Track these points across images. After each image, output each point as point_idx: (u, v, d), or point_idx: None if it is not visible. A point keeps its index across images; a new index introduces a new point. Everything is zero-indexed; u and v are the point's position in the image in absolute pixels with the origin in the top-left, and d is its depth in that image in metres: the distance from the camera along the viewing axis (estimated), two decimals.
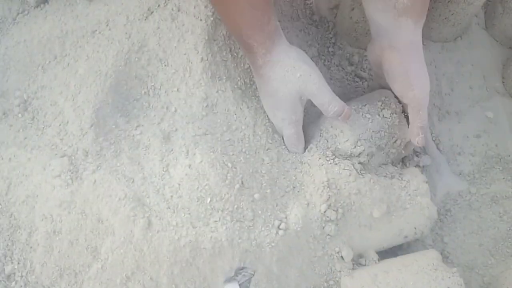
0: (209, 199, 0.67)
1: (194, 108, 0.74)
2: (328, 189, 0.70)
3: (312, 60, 0.72)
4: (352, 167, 0.72)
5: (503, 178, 0.87)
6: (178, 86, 0.75)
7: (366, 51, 0.94)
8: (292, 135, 0.74)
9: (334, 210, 0.69)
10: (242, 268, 0.65)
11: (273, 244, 0.66)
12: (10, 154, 0.72)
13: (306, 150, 0.76)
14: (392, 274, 0.67)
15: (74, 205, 0.67)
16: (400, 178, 0.76)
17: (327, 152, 0.74)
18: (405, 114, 0.77)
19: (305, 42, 0.91)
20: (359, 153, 0.74)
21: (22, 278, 0.66)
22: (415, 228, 0.73)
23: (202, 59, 0.75)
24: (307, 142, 0.77)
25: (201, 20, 0.76)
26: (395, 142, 0.77)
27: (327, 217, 0.69)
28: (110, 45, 0.76)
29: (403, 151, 0.80)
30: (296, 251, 0.68)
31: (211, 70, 0.76)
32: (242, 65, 0.80)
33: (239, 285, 0.65)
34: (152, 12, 0.78)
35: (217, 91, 0.75)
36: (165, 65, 0.76)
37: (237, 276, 0.65)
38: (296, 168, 0.75)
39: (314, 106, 0.72)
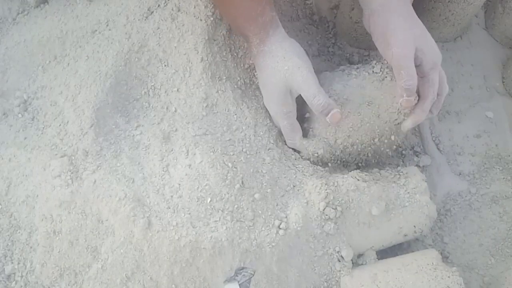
0: (209, 199, 0.67)
1: (194, 108, 0.74)
2: (326, 186, 0.70)
3: (311, 57, 0.72)
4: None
5: (503, 178, 0.87)
6: (178, 86, 0.75)
7: (365, 50, 0.95)
8: (285, 126, 0.74)
9: (333, 208, 0.69)
10: (242, 268, 0.65)
11: (273, 244, 0.66)
12: (10, 154, 0.72)
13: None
14: (391, 274, 0.67)
15: (74, 205, 0.67)
16: (399, 176, 0.76)
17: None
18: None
19: (305, 42, 0.91)
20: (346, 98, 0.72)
21: (22, 278, 0.66)
22: (414, 226, 0.73)
23: (202, 59, 0.75)
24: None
25: (201, 20, 0.76)
26: (389, 104, 0.72)
27: (326, 215, 0.69)
28: (110, 45, 0.76)
29: (396, 136, 0.75)
30: (296, 251, 0.68)
31: (211, 70, 0.76)
32: (242, 65, 0.80)
33: (239, 285, 0.65)
34: (152, 12, 0.78)
35: (217, 91, 0.75)
36: (165, 65, 0.76)
37: (237, 276, 0.65)
38: (297, 166, 0.75)
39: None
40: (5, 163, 0.72)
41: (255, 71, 0.78)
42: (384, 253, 0.76)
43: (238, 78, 0.78)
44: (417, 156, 0.88)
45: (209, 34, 0.76)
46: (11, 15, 0.85)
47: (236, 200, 0.67)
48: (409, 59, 0.66)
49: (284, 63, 0.69)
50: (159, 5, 0.78)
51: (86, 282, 0.65)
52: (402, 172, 0.78)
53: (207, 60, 0.75)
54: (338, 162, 0.77)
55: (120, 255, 0.64)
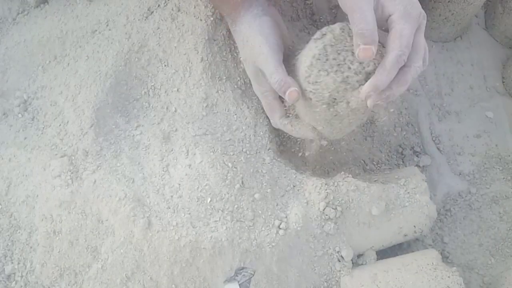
0: (209, 199, 0.67)
1: (194, 108, 0.74)
2: (326, 186, 0.70)
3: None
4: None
5: (503, 178, 0.87)
6: (178, 86, 0.75)
7: None
8: (264, 106, 0.72)
9: (333, 208, 0.69)
10: (242, 268, 0.65)
11: (273, 244, 0.66)
12: (10, 154, 0.72)
13: None
14: (391, 274, 0.67)
15: (74, 205, 0.67)
16: (399, 176, 0.76)
17: None
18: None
19: (305, 42, 0.91)
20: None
21: (22, 278, 0.66)
22: (414, 226, 0.73)
23: (202, 59, 0.75)
24: None
25: (201, 20, 0.76)
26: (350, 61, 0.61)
27: (326, 215, 0.69)
28: (110, 45, 0.76)
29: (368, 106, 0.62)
30: (296, 251, 0.68)
31: (211, 70, 0.76)
32: (242, 65, 0.80)
33: (239, 285, 0.65)
34: (152, 12, 0.78)
35: (217, 91, 0.75)
36: (165, 65, 0.76)
37: (237, 276, 0.65)
38: (297, 165, 0.75)
39: None
40: (5, 163, 0.72)
41: None
42: (384, 253, 0.76)
43: (238, 78, 0.78)
44: (417, 156, 0.88)
45: (209, 34, 0.76)
46: (11, 15, 0.85)
47: (236, 200, 0.67)
48: (367, 3, 0.57)
49: (251, 42, 0.68)
50: (159, 5, 0.78)
51: (86, 282, 0.65)
52: (402, 172, 0.78)
53: (207, 60, 0.75)
54: (324, 140, 0.74)
55: (120, 255, 0.64)
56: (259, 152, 0.74)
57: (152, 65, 0.76)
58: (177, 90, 0.75)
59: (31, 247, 0.67)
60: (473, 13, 0.93)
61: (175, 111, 0.75)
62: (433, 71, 0.96)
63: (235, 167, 0.70)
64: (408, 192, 0.74)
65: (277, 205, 0.69)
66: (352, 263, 0.71)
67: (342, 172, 0.73)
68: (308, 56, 0.61)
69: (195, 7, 0.77)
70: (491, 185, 0.87)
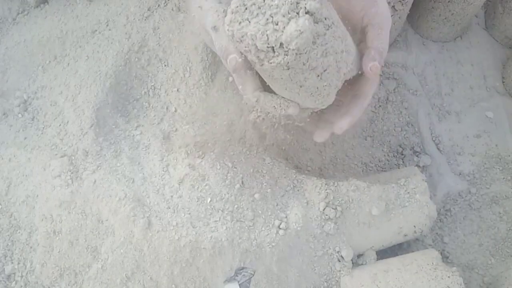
0: (209, 199, 0.67)
1: (194, 108, 0.74)
2: (326, 186, 0.70)
3: None
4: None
5: (503, 178, 0.87)
6: (178, 86, 0.75)
7: None
8: (236, 79, 0.63)
9: (333, 208, 0.69)
10: (242, 268, 0.65)
11: (273, 244, 0.66)
12: (10, 154, 0.72)
13: None
14: (391, 274, 0.67)
15: (74, 205, 0.67)
16: (398, 176, 0.76)
17: None
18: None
19: None
20: None
21: (22, 278, 0.66)
22: (414, 226, 0.73)
23: (202, 59, 0.75)
24: None
25: None
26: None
27: (326, 215, 0.69)
28: (110, 45, 0.76)
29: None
30: (296, 251, 0.68)
31: (211, 70, 0.76)
32: None
33: (239, 285, 0.65)
34: (152, 12, 0.78)
35: (217, 91, 0.75)
36: (165, 65, 0.76)
37: (237, 276, 0.65)
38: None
39: None
40: (5, 163, 0.72)
41: None
42: (384, 253, 0.76)
43: None
44: (417, 156, 0.88)
45: None
46: (11, 15, 0.85)
47: (236, 200, 0.67)
48: (389, 23, 0.60)
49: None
50: (159, 5, 0.78)
51: (86, 282, 0.65)
52: (402, 172, 0.78)
53: (207, 60, 0.75)
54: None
55: (120, 255, 0.64)
56: (260, 152, 0.74)
57: (152, 65, 0.76)
58: (177, 90, 0.75)
59: (31, 247, 0.67)
60: (473, 13, 0.93)
61: (175, 111, 0.75)
62: (433, 71, 0.96)
63: (235, 167, 0.70)
64: (408, 192, 0.74)
65: (277, 205, 0.69)
66: (352, 263, 0.71)
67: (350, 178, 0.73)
68: (227, 13, 0.54)
69: None
70: (491, 185, 0.87)
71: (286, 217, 0.68)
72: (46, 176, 0.68)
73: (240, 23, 0.53)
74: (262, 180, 0.71)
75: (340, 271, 0.69)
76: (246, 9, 0.53)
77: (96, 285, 0.65)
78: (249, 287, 0.65)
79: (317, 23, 0.51)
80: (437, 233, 0.83)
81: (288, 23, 0.51)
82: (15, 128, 0.75)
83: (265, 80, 0.58)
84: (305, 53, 0.52)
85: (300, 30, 0.50)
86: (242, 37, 0.52)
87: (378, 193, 0.72)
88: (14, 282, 0.66)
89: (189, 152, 0.70)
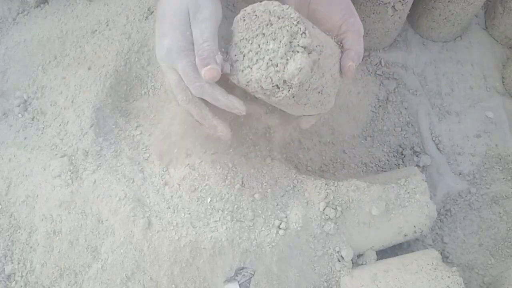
0: (209, 199, 0.67)
1: None
2: (326, 186, 0.70)
3: None
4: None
5: (503, 178, 0.87)
6: None
7: (365, 51, 0.94)
8: (184, 68, 0.58)
9: (333, 208, 0.69)
10: (242, 268, 0.65)
11: (273, 244, 0.66)
12: (10, 154, 0.72)
13: None
14: (391, 274, 0.67)
15: (74, 205, 0.67)
16: (398, 176, 0.76)
17: None
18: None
19: None
20: None
21: (22, 278, 0.66)
22: (414, 226, 0.73)
23: None
24: None
25: None
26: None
27: (326, 215, 0.69)
28: (110, 45, 0.76)
29: None
30: (296, 251, 0.68)
31: None
32: None
33: (239, 285, 0.65)
34: (152, 12, 0.78)
35: None
36: None
37: (237, 276, 0.65)
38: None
39: None
40: (5, 163, 0.72)
41: None
42: (384, 253, 0.76)
43: None
44: (417, 156, 0.88)
45: None
46: (11, 15, 0.85)
47: (236, 200, 0.67)
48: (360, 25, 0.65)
49: None
50: None
51: (86, 282, 0.65)
52: (402, 172, 0.78)
53: None
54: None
55: (120, 255, 0.64)
56: (259, 152, 0.74)
57: (152, 65, 0.76)
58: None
59: (31, 247, 0.67)
60: (473, 13, 0.93)
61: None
62: (433, 71, 0.96)
63: (235, 167, 0.70)
64: (408, 192, 0.74)
65: (277, 205, 0.69)
66: (352, 263, 0.71)
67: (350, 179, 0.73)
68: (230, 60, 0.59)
69: None
70: (491, 185, 0.87)
71: (286, 217, 0.68)
72: (46, 176, 0.68)
73: (242, 71, 0.57)
74: (262, 180, 0.71)
75: (340, 271, 0.69)
76: (244, 56, 0.57)
77: (96, 285, 0.65)
78: (249, 287, 0.65)
79: (311, 53, 0.56)
80: (437, 233, 0.83)
81: (287, 63, 0.55)
82: (15, 128, 0.75)
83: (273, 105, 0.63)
84: (306, 82, 0.57)
85: (299, 68, 0.55)
86: (248, 82, 0.57)
87: (378, 193, 0.72)
88: (14, 282, 0.66)
89: (189, 152, 0.70)
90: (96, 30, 0.78)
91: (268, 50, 0.56)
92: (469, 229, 0.84)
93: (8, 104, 0.77)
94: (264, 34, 0.56)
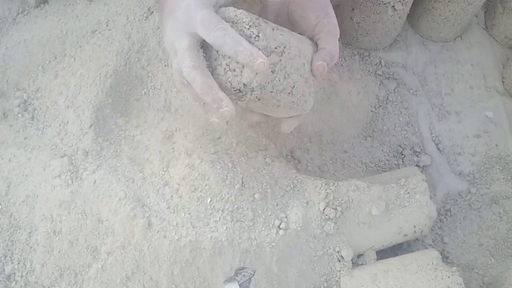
0: (209, 199, 0.67)
1: (194, 108, 0.74)
2: (326, 186, 0.70)
3: None
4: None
5: (503, 178, 0.87)
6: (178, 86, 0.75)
7: (366, 51, 0.94)
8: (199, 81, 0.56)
9: (333, 208, 0.69)
10: (242, 268, 0.65)
11: (273, 244, 0.66)
12: (10, 154, 0.72)
13: None
14: (391, 274, 0.67)
15: (74, 205, 0.67)
16: (398, 176, 0.76)
17: None
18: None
19: None
20: None
21: (22, 278, 0.66)
22: (414, 226, 0.73)
23: None
24: None
25: None
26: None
27: (326, 215, 0.69)
28: (110, 45, 0.76)
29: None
30: (296, 251, 0.68)
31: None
32: None
33: (239, 285, 0.65)
34: (152, 12, 0.78)
35: None
36: (165, 65, 0.76)
37: (237, 276, 0.65)
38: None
39: None
40: (5, 163, 0.72)
41: None
42: (384, 253, 0.76)
43: None
44: (417, 156, 0.88)
45: None
46: (11, 15, 0.85)
47: (236, 200, 0.67)
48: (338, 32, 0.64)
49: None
50: None
51: (86, 282, 0.65)
52: (402, 172, 0.78)
53: None
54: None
55: (120, 255, 0.64)
56: (260, 152, 0.74)
57: (152, 65, 0.76)
58: (177, 90, 0.75)
59: (31, 247, 0.67)
60: (473, 13, 0.93)
61: (175, 111, 0.75)
62: (433, 71, 0.96)
63: (235, 167, 0.70)
64: (408, 192, 0.74)
65: (277, 205, 0.69)
66: (352, 263, 0.71)
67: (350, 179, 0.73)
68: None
69: None
70: (491, 185, 0.87)
71: (286, 217, 0.68)
72: (46, 176, 0.68)
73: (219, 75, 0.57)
74: (262, 180, 0.71)
75: (340, 271, 0.69)
76: (208, 63, 0.58)
77: (96, 285, 0.65)
78: (249, 287, 0.65)
79: (269, 55, 0.56)
80: (437, 233, 0.83)
81: (243, 67, 0.56)
82: (15, 128, 0.75)
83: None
84: (268, 84, 0.57)
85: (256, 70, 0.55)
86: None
87: (378, 193, 0.72)
88: (14, 282, 0.66)
89: (189, 152, 0.70)
90: (96, 30, 0.78)
91: (225, 55, 0.56)
92: (469, 229, 0.84)
93: (8, 104, 0.77)
94: None
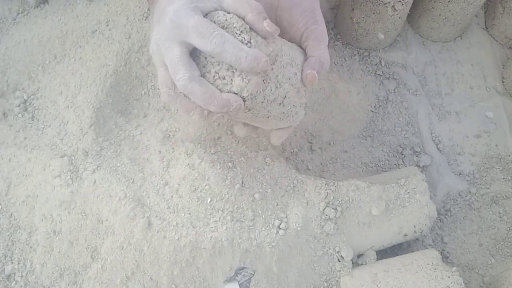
0: (209, 199, 0.67)
1: None
2: (326, 186, 0.70)
3: None
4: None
5: (503, 178, 0.87)
6: None
7: (365, 51, 0.94)
8: (167, 72, 0.56)
9: (333, 208, 0.69)
10: (242, 268, 0.65)
11: (273, 244, 0.66)
12: (10, 154, 0.72)
13: None
14: (391, 274, 0.67)
15: (74, 205, 0.67)
16: (398, 176, 0.76)
17: None
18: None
19: None
20: None
21: (22, 278, 0.66)
22: (414, 226, 0.73)
23: None
24: None
25: None
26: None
27: (326, 215, 0.69)
28: (110, 45, 0.76)
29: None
30: (296, 251, 0.68)
31: None
32: None
33: (239, 285, 0.65)
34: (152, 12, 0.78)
35: None
36: None
37: (237, 276, 0.65)
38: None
39: None
40: (5, 163, 0.72)
41: None
42: (384, 253, 0.76)
43: None
44: (417, 156, 0.88)
45: None
46: (11, 15, 0.85)
47: (236, 200, 0.67)
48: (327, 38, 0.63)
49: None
50: None
51: (86, 282, 0.65)
52: (402, 172, 0.78)
53: None
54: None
55: (120, 255, 0.64)
56: (260, 151, 0.74)
57: (152, 65, 0.76)
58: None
59: (31, 247, 0.67)
60: (473, 13, 0.93)
61: (176, 111, 0.75)
62: (433, 71, 0.96)
63: (235, 167, 0.70)
64: (408, 192, 0.74)
65: (277, 205, 0.69)
66: (352, 263, 0.71)
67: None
68: None
69: None
70: (491, 185, 0.87)
71: (286, 217, 0.68)
72: (46, 176, 0.68)
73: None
74: (262, 180, 0.71)
75: (340, 271, 0.69)
76: (199, 70, 0.54)
77: (96, 285, 0.65)
78: (249, 287, 0.65)
79: None
80: (437, 233, 0.83)
81: (233, 75, 0.53)
82: (15, 128, 0.75)
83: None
84: (259, 93, 0.55)
85: (248, 79, 0.52)
86: None
87: (378, 193, 0.72)
88: (14, 282, 0.66)
89: (189, 152, 0.70)
90: (96, 30, 0.78)
91: (214, 62, 0.53)
92: (469, 229, 0.84)
93: (8, 104, 0.77)
94: None
